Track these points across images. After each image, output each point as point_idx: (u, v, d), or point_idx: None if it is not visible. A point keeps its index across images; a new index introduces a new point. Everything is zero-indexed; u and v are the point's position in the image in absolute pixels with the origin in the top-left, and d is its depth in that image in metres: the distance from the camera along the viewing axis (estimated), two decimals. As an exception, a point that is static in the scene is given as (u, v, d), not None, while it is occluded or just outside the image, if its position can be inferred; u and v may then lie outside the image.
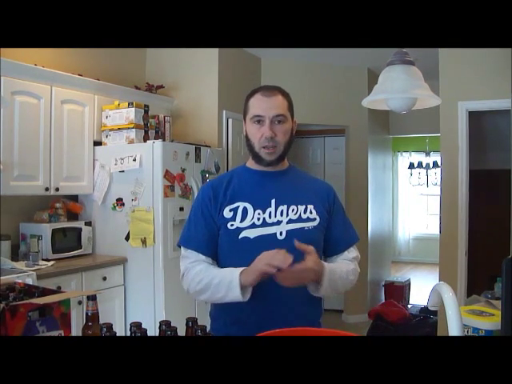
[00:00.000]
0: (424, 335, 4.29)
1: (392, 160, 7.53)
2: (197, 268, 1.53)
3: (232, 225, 1.54)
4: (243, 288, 1.43)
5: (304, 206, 1.57)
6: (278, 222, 1.53)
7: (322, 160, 6.05)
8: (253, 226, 1.53)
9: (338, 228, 1.65)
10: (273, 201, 1.55)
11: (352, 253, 1.65)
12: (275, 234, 1.52)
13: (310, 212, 1.57)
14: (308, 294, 1.54)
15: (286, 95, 1.60)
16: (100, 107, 3.67)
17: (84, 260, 3.40)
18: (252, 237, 1.52)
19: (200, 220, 1.58)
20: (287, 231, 1.52)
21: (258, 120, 1.54)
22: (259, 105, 1.55)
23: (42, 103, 3.23)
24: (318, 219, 1.58)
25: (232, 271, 1.46)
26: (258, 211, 1.54)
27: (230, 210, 1.55)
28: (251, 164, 1.64)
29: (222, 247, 1.57)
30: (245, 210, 1.54)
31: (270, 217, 1.54)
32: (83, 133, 3.57)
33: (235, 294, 1.44)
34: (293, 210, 1.55)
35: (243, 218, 1.54)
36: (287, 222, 1.54)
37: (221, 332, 1.55)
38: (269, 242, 1.48)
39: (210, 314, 1.66)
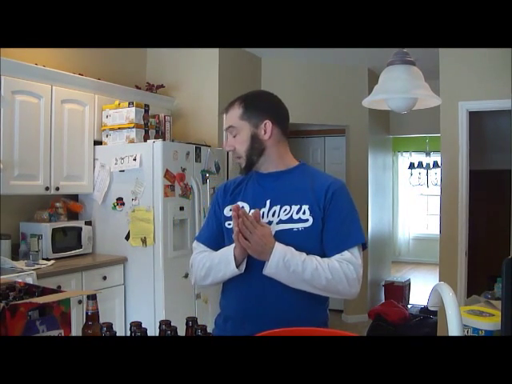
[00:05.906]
0: (424, 335, 4.29)
1: (392, 160, 7.53)
2: (200, 255, 1.62)
3: (229, 224, 1.56)
4: (237, 260, 1.48)
5: (298, 206, 1.51)
6: (269, 223, 1.50)
7: (323, 160, 6.05)
8: None
9: (329, 229, 1.51)
10: (268, 201, 1.54)
11: (344, 255, 1.47)
12: None
13: (303, 213, 1.50)
14: (299, 294, 1.49)
15: (242, 102, 1.63)
16: (100, 107, 3.67)
17: (84, 259, 3.40)
18: None
19: (212, 217, 1.68)
20: (276, 232, 1.48)
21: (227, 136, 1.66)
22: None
23: (42, 103, 3.23)
24: (310, 220, 1.50)
25: (228, 248, 1.53)
26: (253, 211, 1.53)
27: (230, 209, 1.55)
28: None
29: (223, 245, 1.61)
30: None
31: (262, 217, 1.52)
32: (83, 132, 3.57)
33: (231, 268, 1.49)
34: (285, 210, 1.51)
35: None
36: (277, 223, 1.50)
37: (220, 327, 1.62)
38: None
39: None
